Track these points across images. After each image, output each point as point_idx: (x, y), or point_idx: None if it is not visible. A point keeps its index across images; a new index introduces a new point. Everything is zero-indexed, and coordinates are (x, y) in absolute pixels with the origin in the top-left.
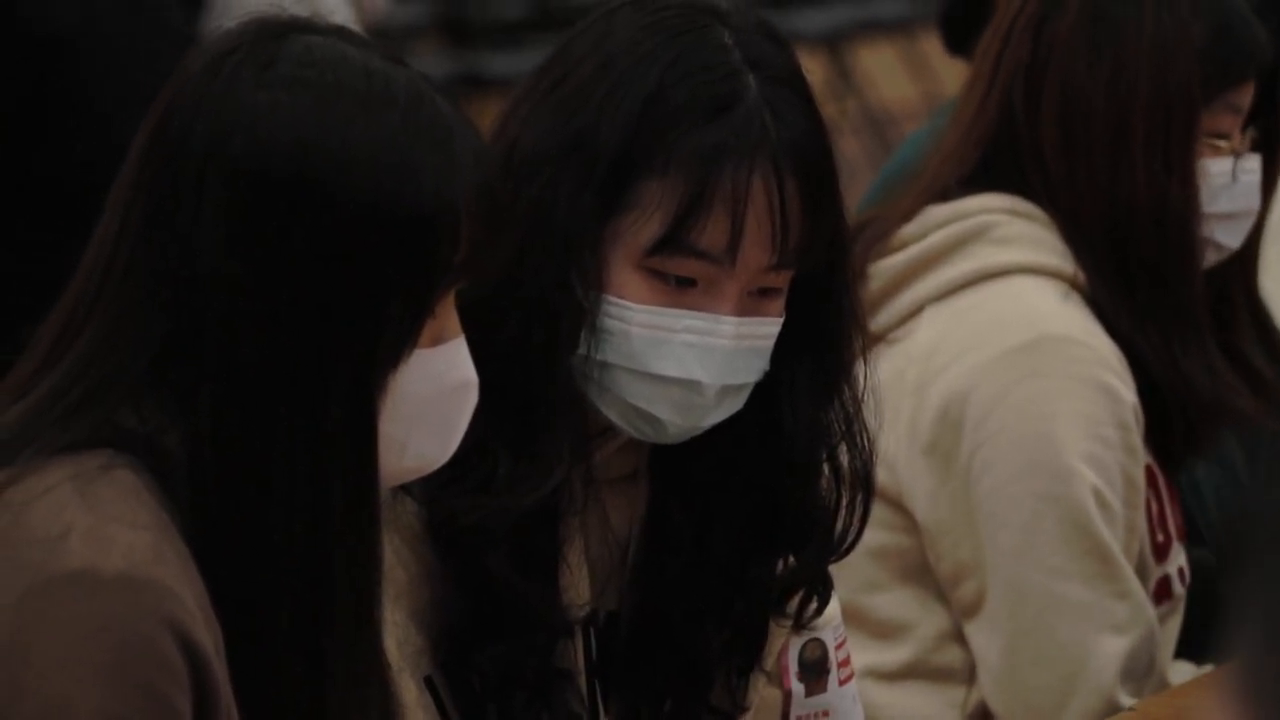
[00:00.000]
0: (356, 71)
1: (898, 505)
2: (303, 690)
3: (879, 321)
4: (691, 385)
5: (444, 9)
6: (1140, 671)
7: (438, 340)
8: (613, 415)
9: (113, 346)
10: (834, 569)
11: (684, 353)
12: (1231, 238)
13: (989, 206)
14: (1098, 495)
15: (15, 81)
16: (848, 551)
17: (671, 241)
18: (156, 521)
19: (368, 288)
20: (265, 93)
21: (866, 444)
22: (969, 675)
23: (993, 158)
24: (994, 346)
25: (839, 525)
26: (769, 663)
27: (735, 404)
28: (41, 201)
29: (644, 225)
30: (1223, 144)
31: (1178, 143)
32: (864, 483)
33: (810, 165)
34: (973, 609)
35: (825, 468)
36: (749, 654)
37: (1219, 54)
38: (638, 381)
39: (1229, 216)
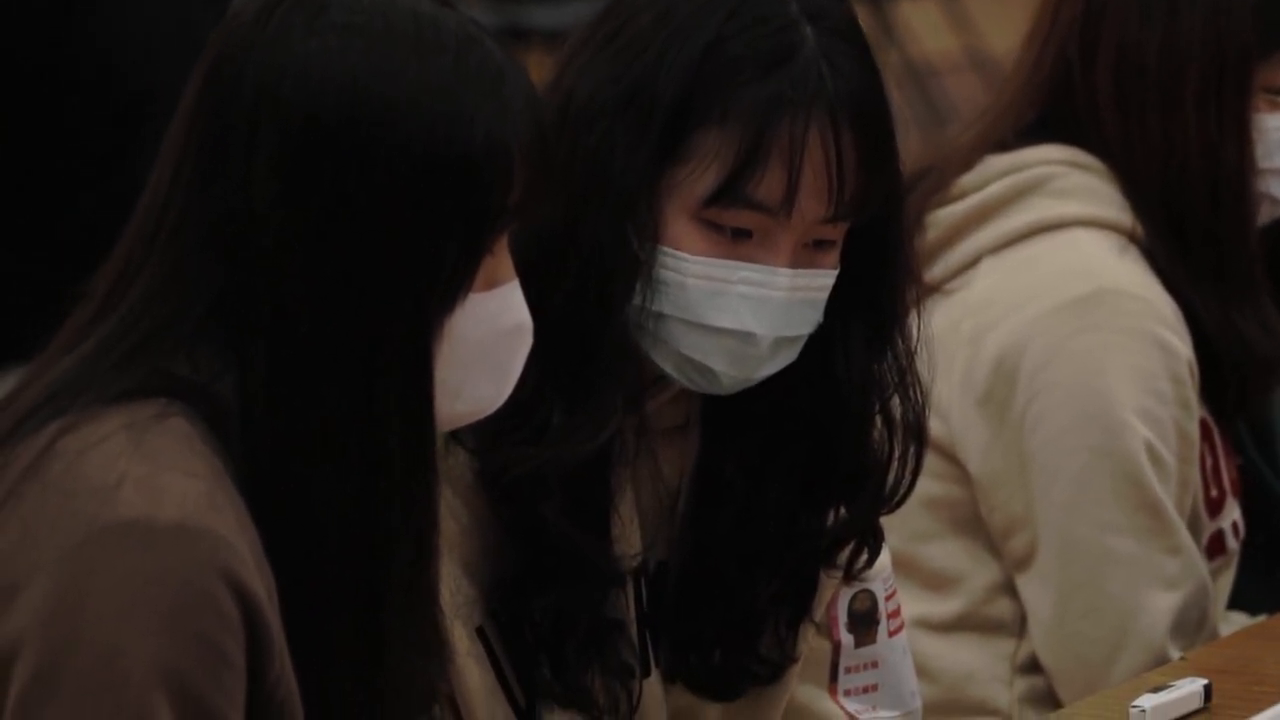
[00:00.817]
0: (406, 16)
1: (950, 456)
2: (360, 638)
3: (935, 271)
4: (746, 337)
5: None
6: (1191, 626)
7: (492, 284)
8: (667, 366)
9: (167, 295)
10: (886, 519)
11: (739, 304)
12: None
13: (1049, 158)
14: (1150, 449)
15: (35, 34)
16: (899, 504)
17: (728, 193)
18: (210, 470)
19: (422, 232)
20: (317, 39)
21: (919, 396)
22: (1019, 628)
23: (1050, 111)
24: (1050, 299)
25: (891, 477)
26: (819, 614)
27: (789, 355)
28: (63, 165)
29: (700, 176)
30: None
31: (1231, 99)
32: (916, 435)
33: (867, 117)
34: (1024, 562)
35: (878, 420)
36: (799, 605)
37: (1277, 7)
38: (692, 333)
39: None
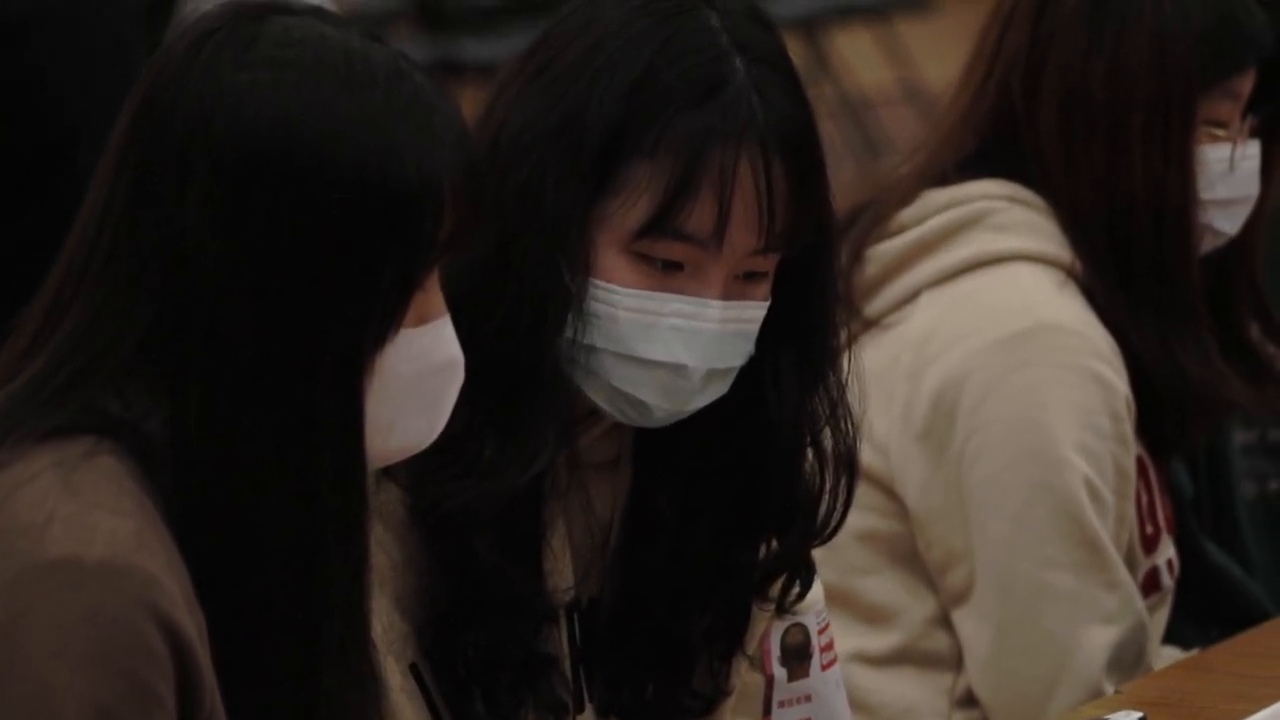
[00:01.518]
0: (336, 50)
1: (889, 491)
2: (295, 673)
3: (874, 306)
4: (677, 369)
5: None
6: (1128, 663)
7: (423, 319)
8: (599, 399)
9: (97, 330)
10: (823, 552)
11: (670, 336)
12: (1229, 224)
13: (989, 193)
14: (1089, 485)
15: None
16: (831, 536)
17: (659, 225)
18: (139, 508)
19: (353, 266)
20: (247, 73)
21: (851, 428)
22: (957, 661)
23: (991, 143)
24: (989, 334)
25: (822, 509)
26: (751, 647)
27: (721, 388)
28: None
29: (631, 209)
30: (1221, 132)
31: (1176, 133)
32: (848, 467)
33: (798, 148)
34: (961, 597)
35: (809, 452)
36: (731, 639)
37: (1219, 41)
38: (624, 365)
39: (1227, 203)
